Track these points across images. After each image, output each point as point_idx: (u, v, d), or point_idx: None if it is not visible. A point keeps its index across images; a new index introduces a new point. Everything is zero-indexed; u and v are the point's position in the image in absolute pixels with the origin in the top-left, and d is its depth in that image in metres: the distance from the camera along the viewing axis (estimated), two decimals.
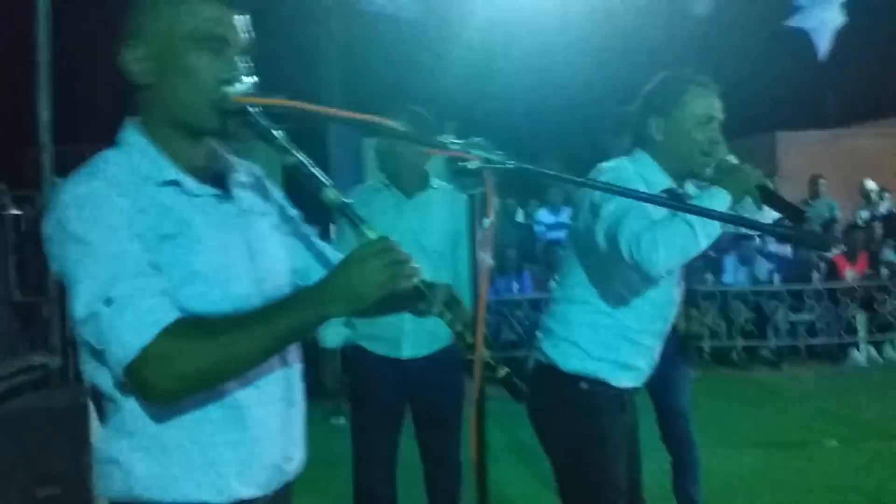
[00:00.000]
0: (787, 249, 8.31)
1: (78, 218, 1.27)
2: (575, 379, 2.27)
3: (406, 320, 2.86)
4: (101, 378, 1.33)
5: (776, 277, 8.09)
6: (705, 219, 1.94)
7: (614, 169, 2.22)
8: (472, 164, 1.33)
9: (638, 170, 2.22)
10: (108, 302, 1.24)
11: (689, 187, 2.33)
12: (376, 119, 1.42)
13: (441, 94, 8.82)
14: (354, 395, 3.06)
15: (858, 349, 7.77)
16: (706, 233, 1.95)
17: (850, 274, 8.05)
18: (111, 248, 1.26)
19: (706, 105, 2.19)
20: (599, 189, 2.12)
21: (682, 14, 8.64)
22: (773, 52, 11.32)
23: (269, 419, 1.42)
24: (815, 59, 8.39)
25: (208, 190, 1.42)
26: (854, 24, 8.12)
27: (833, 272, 8.10)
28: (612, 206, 2.06)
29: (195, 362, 1.26)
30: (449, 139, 1.37)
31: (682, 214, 1.98)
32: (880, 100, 16.44)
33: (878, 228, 8.84)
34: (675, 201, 2.17)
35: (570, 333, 2.29)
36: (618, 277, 2.21)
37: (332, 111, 1.42)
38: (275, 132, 1.35)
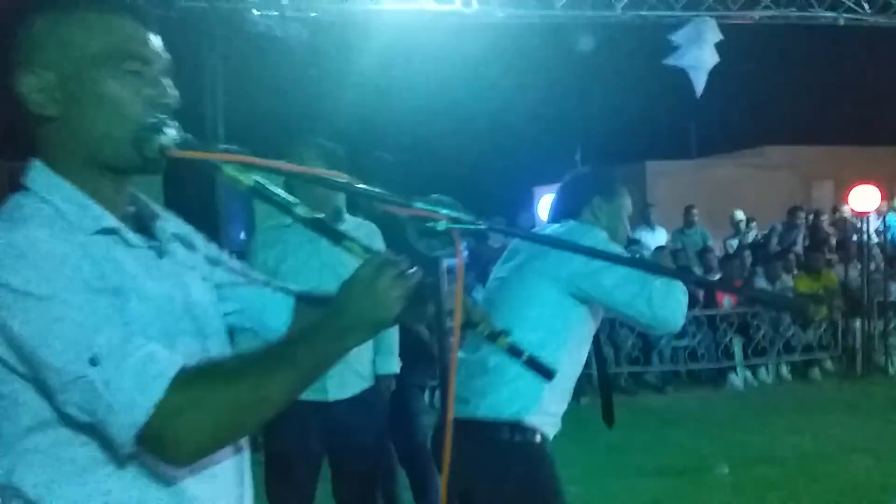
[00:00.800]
0: None
1: (21, 270, 1.04)
2: (522, 430, 2.27)
3: None
4: (26, 477, 1.11)
5: None
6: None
7: (599, 230, 2.44)
8: (441, 225, 1.23)
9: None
10: (94, 361, 1.03)
11: None
12: (332, 174, 1.31)
13: (328, 119, 8.67)
14: (273, 445, 2.92)
15: (736, 373, 8.13)
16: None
17: (726, 302, 8.45)
18: (75, 299, 1.05)
19: (629, 203, 2.61)
20: (585, 253, 2.10)
21: (567, 50, 8.88)
22: (647, 86, 11.88)
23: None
24: (681, 94, 8.82)
25: (144, 241, 1.24)
26: (720, 63, 8.60)
27: (711, 300, 8.48)
28: (622, 272, 2.23)
29: (219, 412, 1.08)
30: (414, 198, 1.28)
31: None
32: (738, 132, 17.59)
33: (748, 257, 9.34)
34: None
35: (540, 384, 2.24)
36: (581, 334, 2.35)
37: (286, 166, 1.28)
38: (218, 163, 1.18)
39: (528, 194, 14.16)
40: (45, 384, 1.06)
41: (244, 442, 1.32)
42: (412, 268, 1.18)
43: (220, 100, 7.63)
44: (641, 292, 2.21)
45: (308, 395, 2.74)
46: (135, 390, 1.03)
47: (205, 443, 1.10)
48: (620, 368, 7.98)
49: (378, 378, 3.08)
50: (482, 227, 1.28)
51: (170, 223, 1.35)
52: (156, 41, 1.23)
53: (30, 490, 1.11)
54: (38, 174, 1.19)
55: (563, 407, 2.38)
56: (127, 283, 1.15)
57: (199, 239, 1.42)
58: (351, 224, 2.98)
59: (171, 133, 1.17)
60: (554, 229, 2.51)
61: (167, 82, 1.22)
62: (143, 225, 1.28)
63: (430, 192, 1.28)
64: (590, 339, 2.45)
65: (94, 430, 1.08)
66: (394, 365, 3.16)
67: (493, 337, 1.41)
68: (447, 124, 13.01)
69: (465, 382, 2.29)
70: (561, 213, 2.57)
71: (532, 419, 2.28)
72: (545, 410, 2.30)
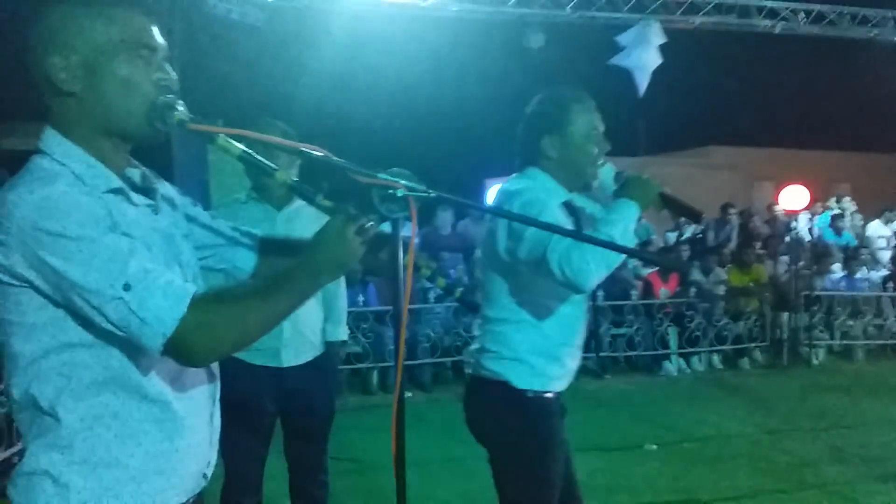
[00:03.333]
0: None
1: (57, 218, 1.26)
2: (522, 391, 2.36)
3: (285, 329, 2.98)
4: (43, 390, 1.34)
5: (600, 295, 8.75)
6: (622, 230, 2.12)
7: (527, 190, 2.29)
8: (399, 192, 1.47)
9: (539, 186, 2.34)
10: (126, 287, 1.27)
11: (577, 199, 2.48)
12: (311, 148, 1.53)
13: (284, 105, 8.78)
14: (228, 405, 3.04)
15: (670, 361, 8.53)
16: (625, 242, 2.11)
17: (663, 292, 8.85)
18: (105, 239, 1.28)
19: (590, 119, 2.36)
20: (513, 219, 2.22)
21: (517, 46, 9.13)
22: (594, 85, 12.21)
23: (199, 428, 1.52)
24: (631, 93, 9.17)
25: (145, 200, 1.47)
26: (664, 65, 8.97)
27: (648, 290, 8.87)
28: (530, 238, 2.16)
29: (227, 327, 1.33)
30: (379, 170, 1.51)
31: (609, 223, 2.13)
32: (684, 132, 18.11)
33: (685, 250, 9.76)
34: (573, 215, 2.37)
35: (514, 352, 2.37)
36: (545, 293, 2.32)
37: (273, 139, 1.52)
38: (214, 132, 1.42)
39: (479, 186, 14.41)
40: (83, 309, 1.29)
41: (216, 371, 1.59)
42: (371, 223, 1.44)
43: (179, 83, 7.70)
44: (545, 255, 2.11)
45: (264, 361, 3.00)
46: (162, 308, 1.28)
47: (217, 349, 1.36)
48: None
49: (328, 345, 3.24)
50: (433, 195, 1.53)
51: (161, 186, 1.58)
52: (158, 32, 1.46)
53: (43, 401, 1.35)
54: (54, 140, 1.41)
55: (567, 368, 2.45)
56: (135, 233, 1.37)
57: (180, 199, 1.66)
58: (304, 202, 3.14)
59: (183, 109, 1.42)
60: (502, 189, 2.42)
61: (169, 68, 1.46)
62: (141, 187, 1.51)
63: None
64: (567, 296, 2.35)
65: (123, 344, 1.34)
66: (342, 332, 3.33)
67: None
68: (402, 114, 13.19)
69: (475, 345, 2.50)
70: (521, 162, 2.45)
71: (523, 379, 2.36)
72: (539, 370, 2.37)
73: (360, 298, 7.62)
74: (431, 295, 7.81)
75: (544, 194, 2.30)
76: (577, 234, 2.12)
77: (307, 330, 3.09)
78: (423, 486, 4.69)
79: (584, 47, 10.07)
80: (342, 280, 3.35)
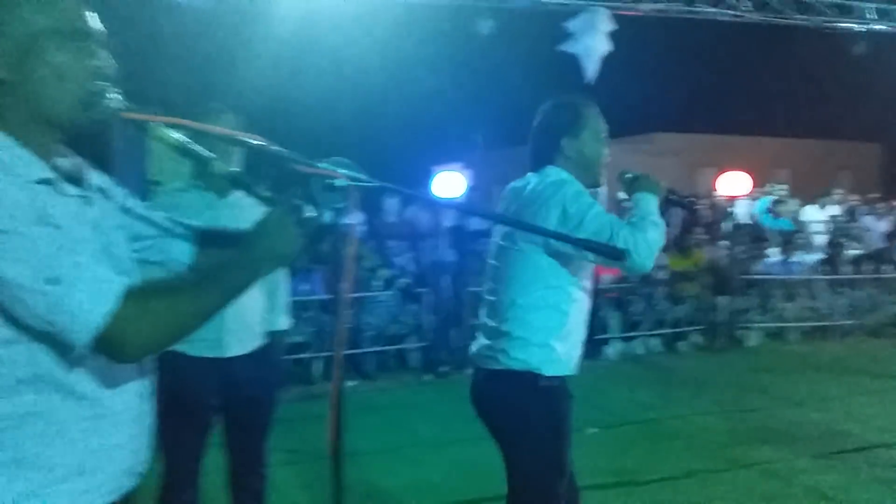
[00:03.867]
0: None
1: None
2: (548, 378, 2.50)
3: (227, 319, 2.90)
4: None
5: None
6: (658, 219, 2.44)
7: (571, 181, 2.54)
8: (340, 182, 1.48)
9: (572, 179, 2.57)
10: (56, 280, 1.25)
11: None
12: (249, 137, 1.52)
13: (231, 90, 8.65)
14: (167, 400, 2.99)
15: (611, 345, 8.68)
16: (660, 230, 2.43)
17: (605, 277, 9.00)
18: (32, 231, 1.26)
19: (599, 122, 2.64)
20: (444, 207, 2.33)
21: (467, 32, 9.14)
22: (543, 71, 12.30)
23: (130, 424, 1.50)
24: (579, 79, 9.24)
25: (76, 191, 1.44)
26: (612, 52, 9.06)
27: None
28: (593, 212, 2.39)
29: (160, 320, 1.32)
30: (318, 159, 1.52)
31: (647, 215, 2.41)
32: (630, 119, 18.34)
33: None
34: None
35: (543, 338, 2.50)
36: (571, 279, 2.51)
37: (209, 128, 1.52)
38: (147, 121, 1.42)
39: (426, 173, 14.41)
40: (8, 303, 1.26)
41: (148, 367, 1.56)
42: (312, 213, 1.46)
43: (119, 70, 7.53)
44: (612, 240, 2.34)
45: (207, 352, 2.96)
46: (91, 302, 1.26)
47: (149, 344, 1.34)
48: None
49: (271, 335, 3.21)
50: (375, 184, 1.54)
51: (93, 176, 1.55)
52: (94, 17, 1.43)
53: None
54: None
55: (578, 352, 2.61)
56: (65, 224, 1.34)
57: (114, 190, 1.63)
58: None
59: (117, 97, 1.40)
60: (533, 185, 2.60)
61: (105, 54, 1.43)
62: (73, 177, 1.47)
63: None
64: (587, 284, 2.58)
65: (50, 340, 1.31)
66: (283, 322, 3.31)
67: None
68: (351, 101, 13.11)
69: (492, 339, 2.58)
70: (537, 163, 2.64)
71: (545, 366, 2.50)
72: (559, 357, 2.52)
73: (305, 287, 7.59)
74: (376, 284, 7.82)
75: (580, 186, 2.54)
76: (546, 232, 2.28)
77: (251, 319, 3.05)
78: (366, 476, 4.73)
79: (534, 34, 10.11)
80: (284, 269, 3.33)
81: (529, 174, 2.68)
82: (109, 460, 1.44)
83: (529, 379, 2.50)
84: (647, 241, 2.36)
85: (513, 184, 2.77)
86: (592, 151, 2.61)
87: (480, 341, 2.68)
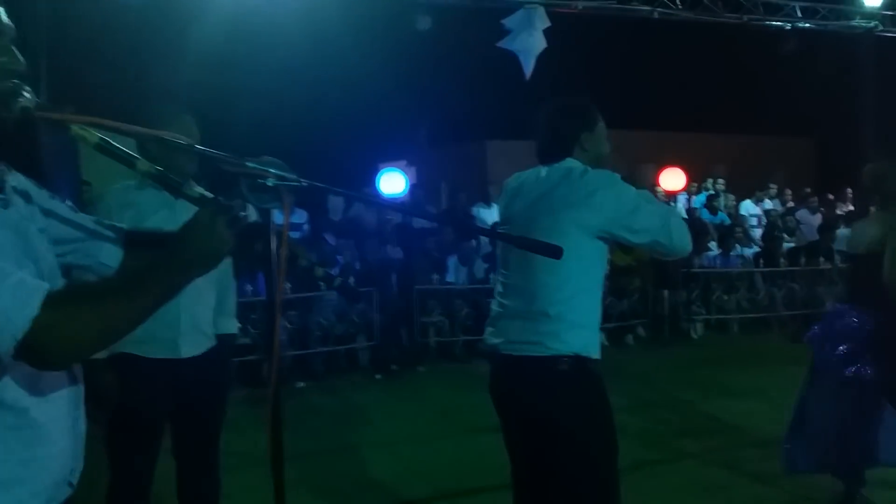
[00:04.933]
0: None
1: None
2: (594, 361, 2.57)
3: (182, 320, 2.86)
4: None
5: (492, 277, 8.87)
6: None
7: (619, 187, 2.63)
8: (270, 182, 1.43)
9: None
10: None
11: None
12: (173, 136, 1.48)
13: (166, 87, 8.44)
14: (118, 406, 2.87)
15: None
16: None
17: None
18: None
19: (602, 121, 2.81)
20: (379, 205, 2.29)
21: (406, 28, 9.10)
22: (483, 68, 12.34)
23: (61, 434, 1.43)
24: (520, 76, 9.30)
25: None
26: (553, 48, 9.14)
27: None
28: (647, 213, 2.56)
29: (85, 325, 1.26)
30: (245, 158, 1.47)
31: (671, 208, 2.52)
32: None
33: None
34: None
35: (589, 320, 2.60)
36: (604, 264, 2.70)
37: (132, 128, 1.44)
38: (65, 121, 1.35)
39: (372, 169, 14.32)
40: None
41: (79, 374, 1.50)
42: (243, 213, 1.40)
43: (44, 64, 7.27)
44: (663, 226, 2.56)
45: (160, 353, 2.87)
46: (12, 309, 1.20)
47: (75, 350, 1.29)
48: (455, 337, 8.41)
49: (219, 337, 3.13)
50: (304, 183, 1.49)
51: (11, 177, 1.46)
52: (3, 13, 1.37)
53: None
54: None
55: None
56: None
57: (36, 191, 1.55)
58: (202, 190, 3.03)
59: (28, 96, 1.33)
60: (571, 179, 2.64)
61: (15, 51, 1.36)
62: None
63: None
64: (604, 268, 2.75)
65: None
66: (232, 324, 3.26)
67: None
68: (293, 99, 12.91)
69: (531, 327, 2.57)
70: (555, 153, 2.72)
71: (590, 350, 2.57)
72: (596, 340, 2.62)
73: (249, 288, 7.44)
74: (322, 283, 7.71)
75: None
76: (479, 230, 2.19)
77: (202, 320, 2.99)
78: (316, 476, 4.66)
79: (472, 30, 10.12)
80: (230, 271, 3.26)
81: (541, 166, 2.77)
82: (40, 471, 1.38)
83: (580, 363, 2.54)
84: (686, 229, 2.65)
85: (520, 175, 2.87)
86: (603, 146, 2.76)
87: (507, 329, 2.65)
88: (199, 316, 2.97)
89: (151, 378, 2.88)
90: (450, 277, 8.75)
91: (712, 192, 12.11)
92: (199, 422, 3.05)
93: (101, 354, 2.85)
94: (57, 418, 1.42)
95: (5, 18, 1.37)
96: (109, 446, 2.90)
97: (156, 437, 2.98)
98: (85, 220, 1.64)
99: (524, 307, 2.62)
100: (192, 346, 2.95)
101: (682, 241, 2.62)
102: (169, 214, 2.74)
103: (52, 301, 1.23)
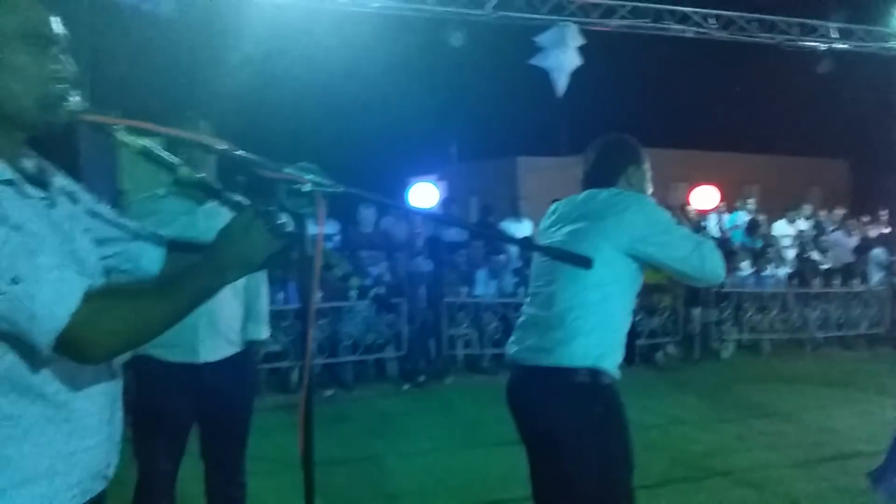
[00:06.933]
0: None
1: None
2: (604, 374, 2.57)
3: (201, 325, 2.91)
4: None
5: (521, 291, 8.87)
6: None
7: (653, 208, 2.70)
8: (306, 188, 1.45)
9: None
10: (16, 280, 1.23)
11: None
12: (212, 141, 1.51)
13: (204, 99, 8.59)
14: (142, 407, 2.95)
15: None
16: None
17: None
18: None
19: (648, 164, 2.90)
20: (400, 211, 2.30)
21: (441, 45, 9.17)
22: (514, 85, 12.39)
23: (98, 428, 1.47)
24: (552, 94, 9.32)
25: (39, 193, 1.42)
26: (586, 66, 9.16)
27: None
28: (679, 235, 2.62)
29: (123, 322, 1.30)
30: (283, 164, 1.50)
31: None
32: (603, 133, 18.50)
33: None
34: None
35: (606, 334, 2.59)
36: (635, 285, 2.68)
37: (173, 131, 1.48)
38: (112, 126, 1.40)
39: (402, 184, 14.42)
40: None
41: (117, 370, 1.55)
42: (281, 220, 1.42)
43: (87, 75, 7.45)
44: (695, 251, 2.59)
45: (179, 357, 2.93)
46: (54, 303, 1.24)
47: (113, 345, 1.32)
48: (484, 350, 8.41)
49: (248, 344, 3.19)
50: (340, 190, 1.52)
51: (58, 179, 1.52)
52: (58, 23, 1.43)
53: None
54: None
55: (621, 355, 2.67)
56: (27, 226, 1.32)
57: (82, 194, 1.60)
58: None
59: (77, 100, 1.39)
60: (607, 198, 2.71)
61: (67, 58, 1.42)
62: (37, 179, 1.45)
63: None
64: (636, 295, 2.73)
65: (13, 341, 1.28)
66: (263, 331, 3.28)
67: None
68: (326, 113, 13.08)
69: (547, 335, 2.59)
70: (601, 180, 2.79)
71: (606, 364, 2.56)
72: (615, 357, 2.60)
73: (281, 295, 7.52)
74: (353, 292, 7.78)
75: None
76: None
77: (223, 326, 3.02)
78: (342, 484, 4.69)
79: (504, 47, 10.19)
80: (265, 279, 3.29)
81: (593, 189, 2.81)
82: (76, 464, 1.42)
83: (593, 375, 2.54)
84: (719, 255, 2.67)
85: (572, 197, 2.88)
86: (646, 184, 2.84)
87: (526, 336, 2.67)
88: (221, 321, 3.00)
89: (171, 381, 2.93)
90: (479, 290, 8.77)
91: (753, 216, 11.91)
92: (223, 426, 3.09)
93: (124, 356, 2.95)
94: (94, 412, 1.45)
95: (59, 28, 1.43)
96: (134, 444, 2.95)
97: (178, 438, 3.02)
98: (128, 223, 1.68)
99: (543, 313, 2.65)
100: (212, 351, 2.99)
101: (715, 268, 2.64)
102: (189, 221, 2.88)
103: (91, 297, 1.27)
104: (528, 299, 2.81)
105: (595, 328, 2.56)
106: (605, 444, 2.55)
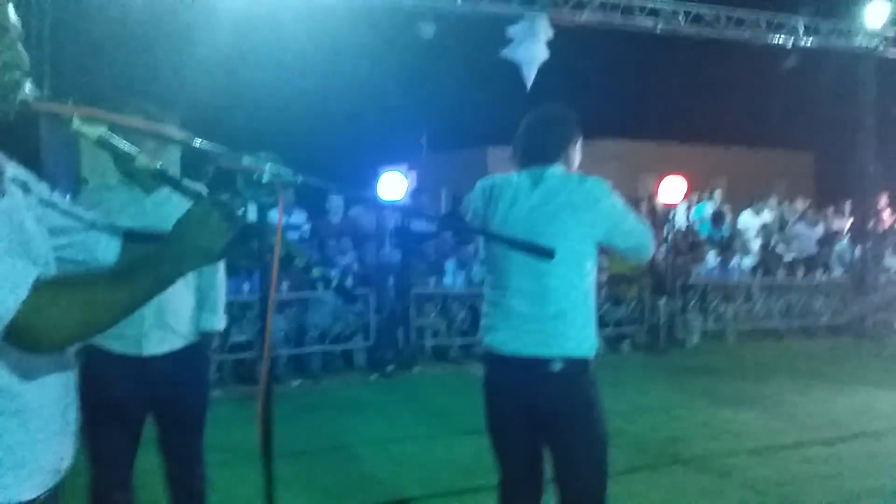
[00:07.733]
0: None
1: None
2: (589, 362, 2.71)
3: (147, 317, 2.85)
4: None
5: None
6: None
7: (610, 194, 2.74)
8: (265, 178, 1.44)
9: None
10: None
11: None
12: (168, 130, 1.50)
13: (174, 90, 8.48)
14: (88, 398, 2.89)
15: None
16: None
17: None
18: None
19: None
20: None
21: (410, 36, 9.13)
22: (484, 76, 12.39)
23: (53, 420, 1.45)
24: (521, 85, 9.32)
25: None
26: (555, 58, 9.18)
27: None
28: (634, 222, 2.74)
29: (74, 311, 1.29)
30: (242, 154, 1.49)
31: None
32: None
33: None
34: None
35: (593, 322, 2.72)
36: (594, 273, 2.76)
37: (129, 120, 1.48)
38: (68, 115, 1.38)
39: (372, 173, 14.36)
40: None
41: (70, 362, 1.52)
42: (239, 210, 1.41)
43: (47, 69, 7.31)
44: (646, 232, 2.76)
45: (123, 349, 2.88)
46: (2, 291, 1.23)
47: (64, 335, 1.31)
48: (452, 340, 8.44)
49: (202, 334, 3.12)
50: (299, 180, 1.51)
51: (10, 168, 1.49)
52: (11, 11, 1.41)
53: None
54: None
55: None
56: None
57: (35, 184, 1.57)
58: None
59: (30, 89, 1.37)
60: (561, 181, 2.72)
61: (20, 48, 1.40)
62: None
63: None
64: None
65: None
66: (217, 322, 3.18)
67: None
68: (297, 102, 12.99)
69: (548, 329, 2.65)
70: (539, 158, 2.76)
71: (593, 354, 2.72)
72: (596, 347, 2.74)
73: (246, 286, 7.48)
74: (320, 283, 7.74)
75: None
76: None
77: (171, 318, 2.95)
78: (309, 473, 4.68)
79: (475, 39, 10.17)
80: (220, 267, 3.23)
81: (520, 171, 2.80)
82: (33, 455, 1.39)
83: (587, 363, 2.69)
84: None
85: (492, 178, 2.91)
86: (578, 158, 2.85)
87: (519, 331, 2.68)
88: (169, 313, 2.93)
89: (118, 372, 2.88)
90: (447, 281, 8.79)
91: (718, 208, 12.04)
92: (176, 417, 3.04)
93: (76, 347, 2.90)
94: (47, 404, 1.43)
95: (12, 16, 1.40)
96: (85, 437, 2.91)
97: (130, 430, 2.98)
98: (83, 213, 1.66)
99: (537, 310, 2.65)
100: (157, 344, 2.93)
101: (652, 247, 2.84)
102: (137, 212, 2.82)
103: (42, 286, 1.26)
104: (499, 291, 2.75)
105: (589, 317, 2.71)
106: (605, 424, 2.75)
